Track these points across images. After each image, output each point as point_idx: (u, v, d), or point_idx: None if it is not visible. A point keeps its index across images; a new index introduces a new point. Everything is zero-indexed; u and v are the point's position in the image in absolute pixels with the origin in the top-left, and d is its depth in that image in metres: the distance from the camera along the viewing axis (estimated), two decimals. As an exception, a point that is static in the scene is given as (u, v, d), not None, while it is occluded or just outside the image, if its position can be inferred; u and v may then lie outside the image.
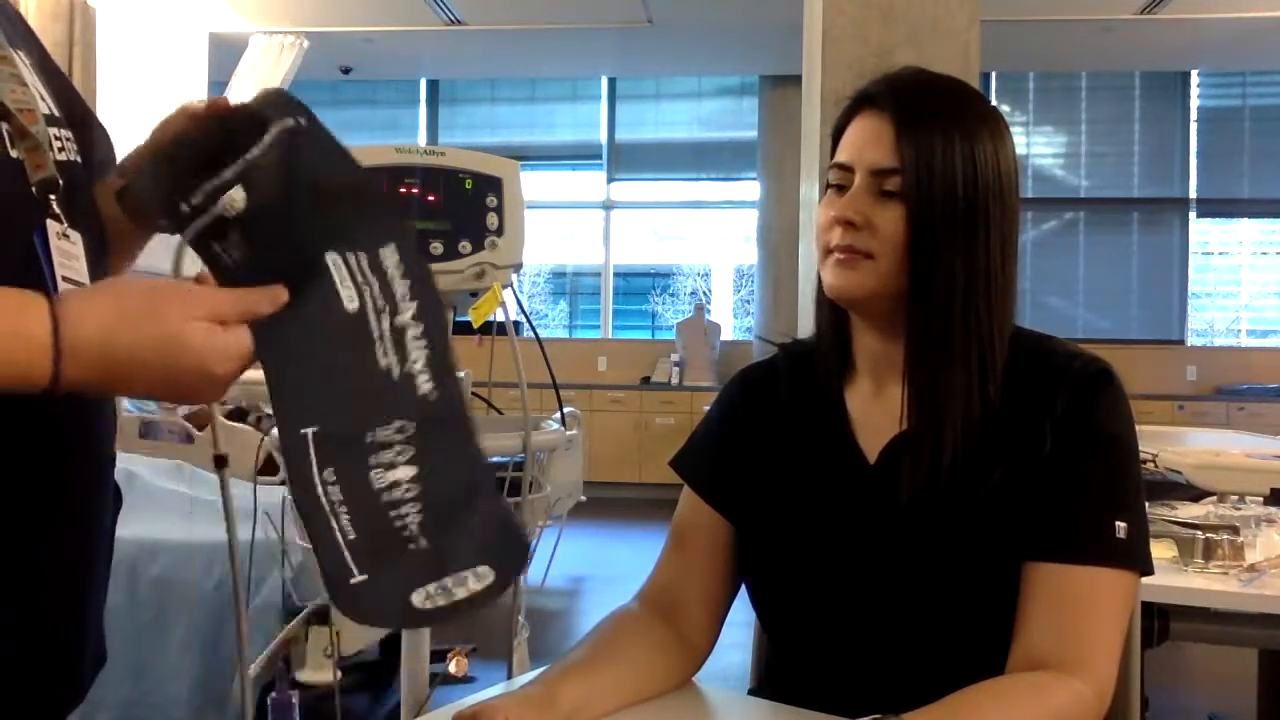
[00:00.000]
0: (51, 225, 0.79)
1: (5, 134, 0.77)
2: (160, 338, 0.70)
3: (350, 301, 0.76)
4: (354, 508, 0.73)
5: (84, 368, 0.68)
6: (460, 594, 0.74)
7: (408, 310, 0.78)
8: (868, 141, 1.01)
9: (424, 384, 0.77)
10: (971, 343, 1.00)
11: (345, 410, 0.75)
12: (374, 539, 0.73)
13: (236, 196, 0.76)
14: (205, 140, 0.81)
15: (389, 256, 0.78)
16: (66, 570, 0.86)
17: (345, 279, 0.76)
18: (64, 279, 0.79)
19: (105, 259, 0.88)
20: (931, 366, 1.00)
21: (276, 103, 0.81)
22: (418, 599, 0.73)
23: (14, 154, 0.78)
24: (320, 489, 0.72)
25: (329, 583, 0.72)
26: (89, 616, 0.91)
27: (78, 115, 0.92)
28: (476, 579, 0.75)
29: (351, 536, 0.72)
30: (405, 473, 0.75)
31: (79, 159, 0.87)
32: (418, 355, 0.77)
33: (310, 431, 0.73)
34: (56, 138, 0.83)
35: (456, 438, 0.79)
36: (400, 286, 0.78)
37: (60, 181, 0.80)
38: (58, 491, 0.83)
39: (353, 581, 0.72)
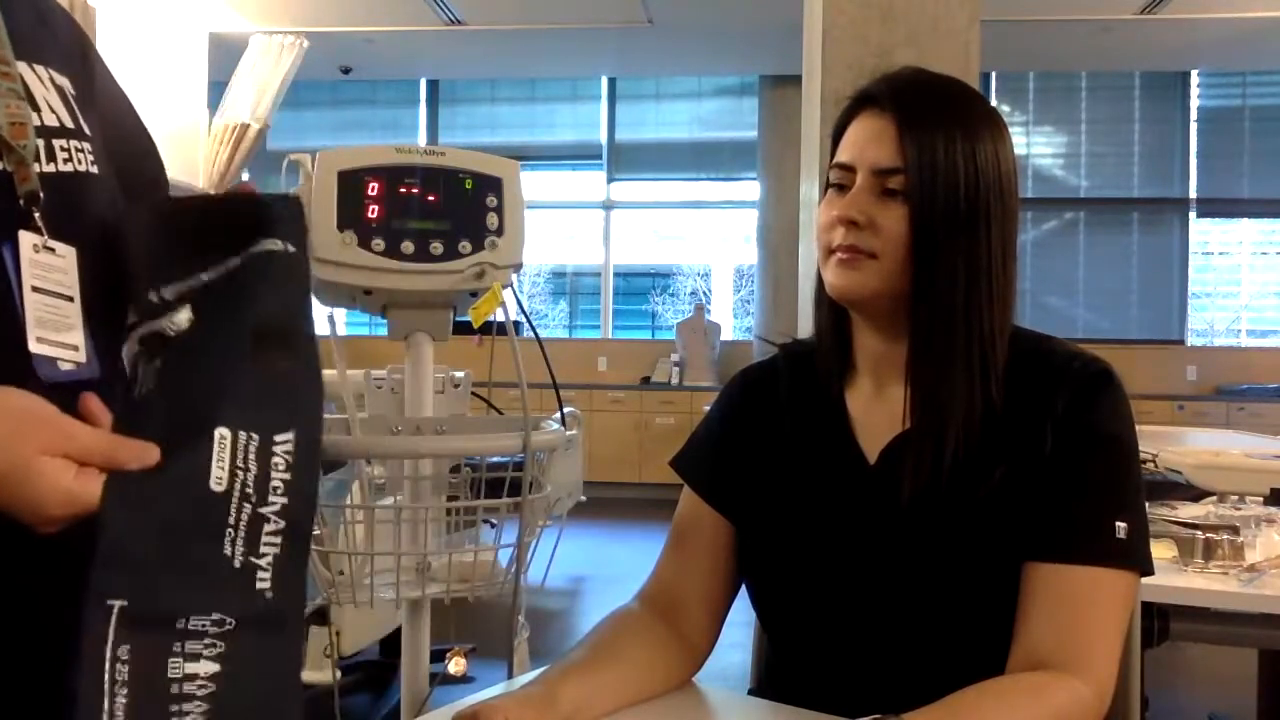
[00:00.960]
0: (27, 237, 0.79)
1: None
2: (8, 463, 0.68)
3: (218, 484, 0.71)
4: (135, 693, 0.67)
5: None
6: None
7: (275, 504, 0.73)
8: (870, 141, 1.01)
9: (262, 581, 0.72)
10: (973, 342, 1.00)
11: (168, 590, 0.69)
12: None
13: (181, 318, 0.76)
14: (206, 216, 0.81)
15: (282, 444, 0.74)
16: (57, 570, 0.85)
17: (224, 459, 0.72)
18: (34, 289, 0.79)
19: (114, 270, 0.88)
20: (933, 366, 1.00)
21: (282, 215, 0.80)
22: None
23: (1, 167, 0.79)
24: (107, 665, 0.66)
25: None
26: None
27: (110, 120, 0.93)
28: None
29: None
30: (205, 668, 0.69)
31: (94, 169, 0.88)
32: (267, 551, 0.73)
33: (118, 605, 0.67)
34: (63, 148, 0.84)
35: (276, 646, 0.73)
36: (278, 479, 0.74)
37: (41, 195, 0.80)
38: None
39: None
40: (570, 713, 0.94)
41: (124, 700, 0.66)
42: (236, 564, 0.71)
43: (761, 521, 1.09)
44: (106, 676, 0.66)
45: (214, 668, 0.69)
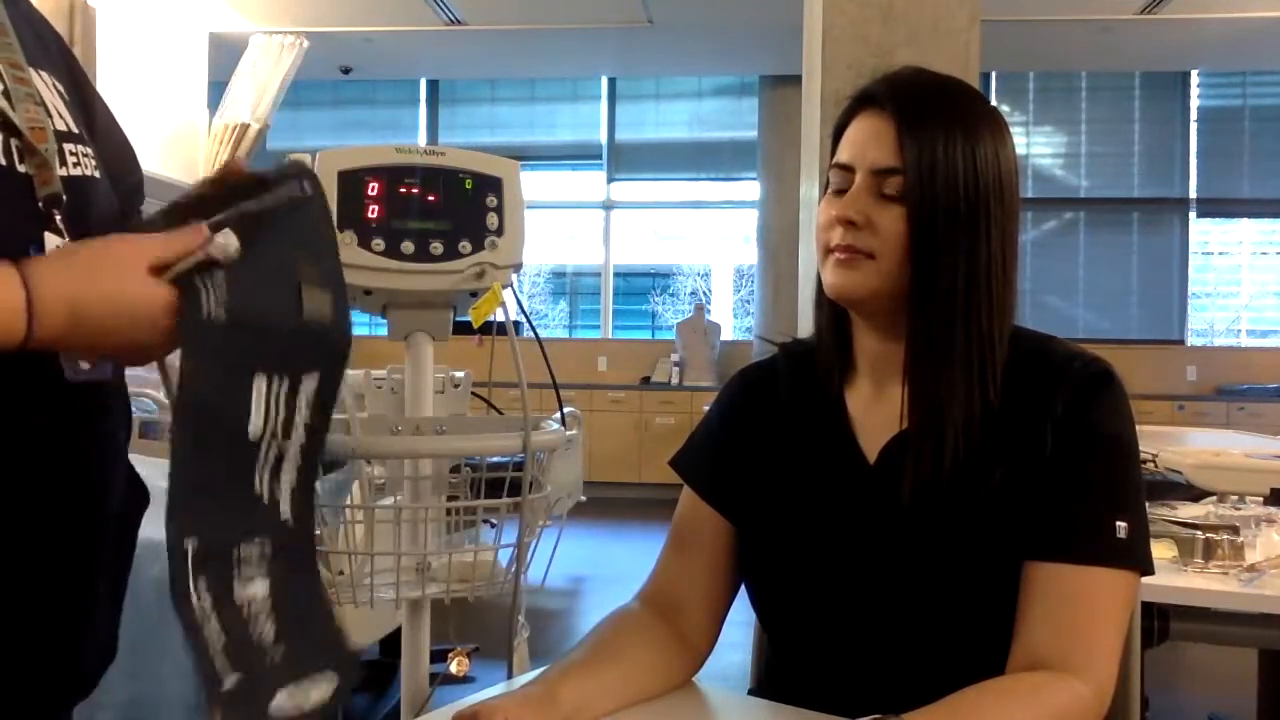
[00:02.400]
0: (51, 239, 0.81)
1: (15, 149, 0.80)
2: (116, 291, 0.74)
3: (255, 430, 0.78)
4: (221, 617, 0.77)
5: (52, 325, 0.72)
6: (315, 697, 0.79)
7: (295, 442, 0.81)
8: (869, 141, 1.01)
9: (285, 511, 0.82)
10: (972, 343, 1.00)
11: (222, 526, 0.78)
12: (238, 648, 0.77)
13: (230, 242, 0.78)
14: (212, 196, 0.83)
15: (307, 387, 0.81)
16: (65, 553, 0.86)
17: (260, 405, 0.79)
18: None
19: None
20: (932, 366, 1.00)
21: (286, 170, 0.84)
22: (280, 699, 0.77)
23: (22, 169, 0.81)
24: (195, 599, 0.76)
25: (203, 686, 0.76)
26: (94, 604, 0.92)
27: (100, 130, 0.95)
28: (325, 683, 0.81)
29: (220, 644, 0.76)
30: (260, 588, 0.79)
31: (97, 174, 0.90)
32: (286, 484, 0.82)
33: (191, 544, 0.76)
34: (72, 153, 0.86)
35: (303, 562, 0.84)
36: (300, 417, 0.81)
37: (64, 197, 0.82)
38: (57, 471, 0.84)
39: (224, 688, 0.75)
40: (570, 713, 0.94)
41: (215, 626, 0.76)
42: (265, 500, 0.80)
43: (761, 521, 1.09)
44: (197, 609, 0.75)
45: (265, 585, 0.79)
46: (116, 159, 0.97)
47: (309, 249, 0.84)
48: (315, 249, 0.85)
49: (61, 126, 0.86)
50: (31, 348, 0.72)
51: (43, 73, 0.87)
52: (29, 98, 0.83)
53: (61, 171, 0.84)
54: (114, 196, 0.93)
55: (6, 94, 0.81)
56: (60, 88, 0.90)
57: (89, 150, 0.89)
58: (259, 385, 0.78)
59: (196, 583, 0.76)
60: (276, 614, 0.79)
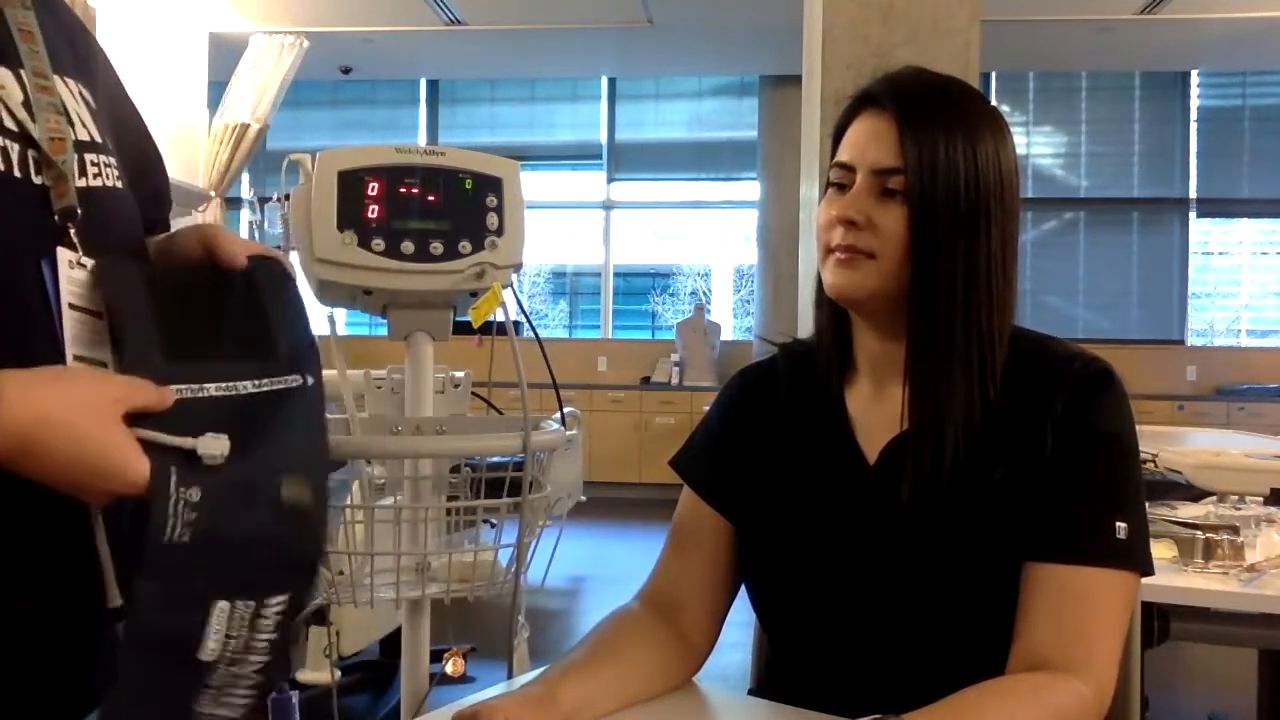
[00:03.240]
0: (63, 253, 0.80)
1: (32, 161, 0.80)
2: (95, 447, 0.70)
3: (210, 654, 0.73)
4: None
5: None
6: None
7: (254, 663, 0.76)
8: (870, 141, 1.01)
9: None
10: (972, 343, 1.00)
11: None
12: None
13: (218, 446, 0.74)
14: (197, 287, 0.82)
15: (274, 609, 0.77)
16: (70, 565, 0.86)
17: (218, 631, 0.74)
18: (70, 305, 0.80)
19: None
20: (932, 367, 1.00)
21: (301, 343, 0.83)
22: None
23: (38, 181, 0.80)
24: None
25: None
26: (102, 622, 0.91)
27: (126, 138, 0.94)
28: None
29: None
30: None
31: (119, 184, 0.89)
32: (236, 700, 0.77)
33: None
34: (94, 163, 0.85)
35: None
36: (263, 639, 0.76)
37: (79, 210, 0.81)
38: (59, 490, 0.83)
39: None
40: (570, 713, 0.94)
41: None
42: (205, 715, 0.75)
43: (761, 522, 1.09)
44: None
45: None
46: (135, 166, 0.96)
47: (296, 456, 0.79)
48: (302, 453, 0.80)
49: (84, 136, 0.85)
50: None
51: (69, 80, 0.86)
52: (50, 107, 0.82)
53: (81, 182, 0.83)
54: (137, 207, 0.93)
55: (27, 103, 0.80)
56: (87, 95, 0.89)
57: (111, 160, 0.88)
58: (219, 611, 0.73)
59: None
60: None
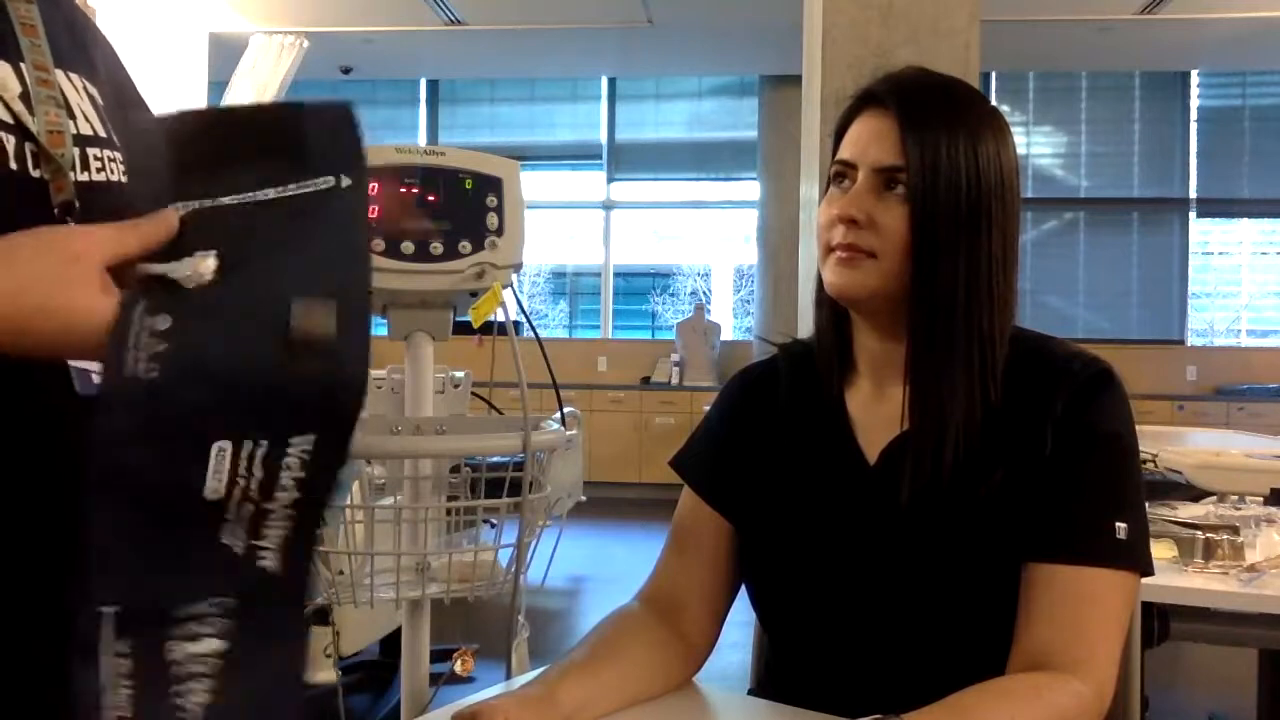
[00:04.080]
0: None
1: (30, 154, 0.79)
2: (58, 302, 0.63)
3: (213, 493, 0.63)
4: (138, 678, 0.63)
5: None
6: None
7: (283, 500, 0.65)
8: (872, 139, 1.01)
9: (263, 560, 0.65)
10: (973, 343, 1.00)
11: (162, 587, 0.64)
12: (146, 713, 0.63)
13: (202, 267, 0.63)
14: (221, 141, 0.70)
15: (299, 448, 0.64)
16: (70, 570, 0.85)
17: (222, 470, 0.63)
18: None
19: None
20: (933, 367, 1.00)
21: (326, 141, 0.68)
22: None
23: (36, 174, 0.79)
24: (108, 661, 0.62)
25: None
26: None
27: (139, 130, 0.94)
28: None
29: (121, 709, 0.62)
30: (207, 646, 0.64)
31: (124, 179, 0.88)
32: (271, 533, 0.66)
33: (112, 610, 0.62)
34: (96, 157, 0.85)
35: (283, 627, 0.67)
36: (289, 478, 0.64)
37: (77, 204, 0.81)
38: (63, 492, 0.83)
39: None
40: (570, 713, 0.94)
41: (127, 693, 0.62)
42: (238, 550, 0.65)
43: (761, 522, 1.09)
44: (105, 673, 0.62)
45: (217, 644, 0.64)
46: (148, 164, 0.96)
47: (324, 270, 0.66)
48: (332, 269, 0.66)
49: (86, 130, 0.85)
50: None
51: (73, 74, 0.86)
52: (50, 100, 0.81)
53: (83, 176, 0.83)
54: (146, 200, 0.93)
55: (26, 96, 0.80)
56: (92, 90, 0.89)
57: (116, 155, 0.88)
58: (220, 452, 0.62)
59: (116, 642, 0.62)
60: (220, 679, 0.64)
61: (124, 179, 0.88)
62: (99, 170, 0.85)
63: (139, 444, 0.61)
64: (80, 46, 0.90)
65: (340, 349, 0.64)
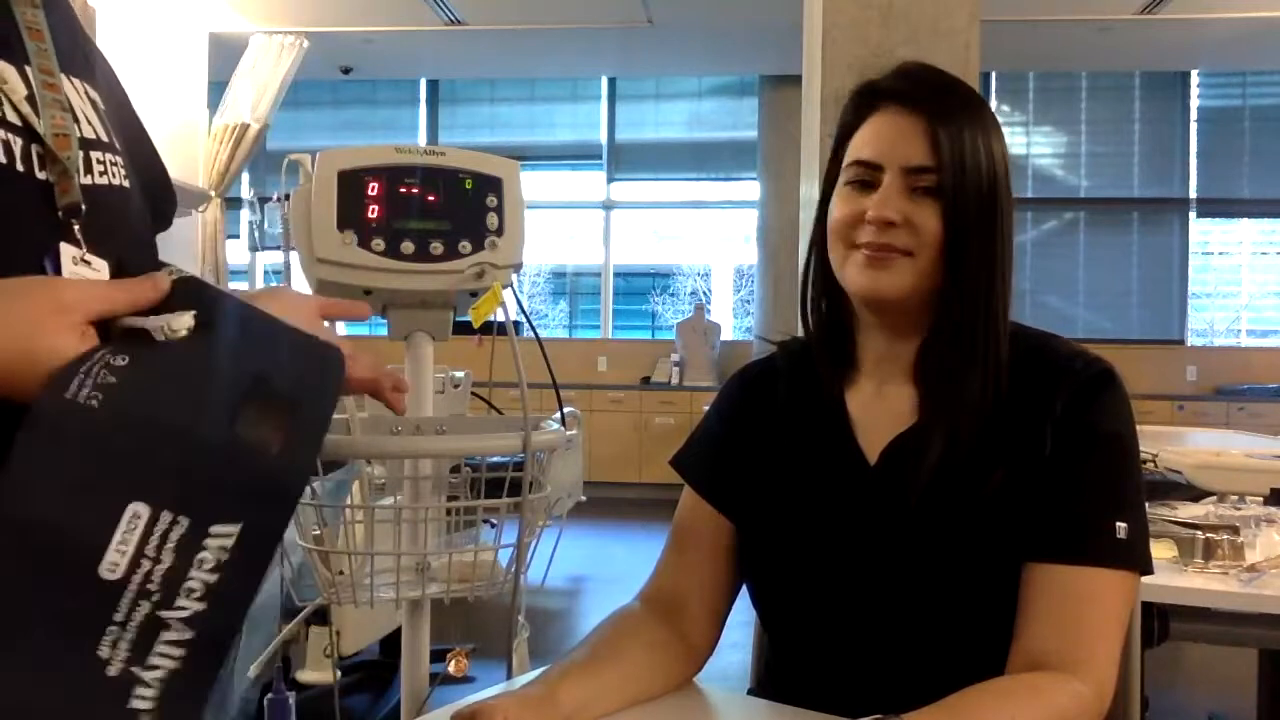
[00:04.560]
0: (67, 249, 0.80)
1: (36, 156, 0.79)
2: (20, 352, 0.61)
3: (110, 569, 0.56)
4: None
5: None
6: None
7: (187, 609, 0.57)
8: (897, 138, 1.00)
9: (140, 701, 0.57)
10: (990, 338, 1.00)
11: (18, 690, 0.55)
12: None
13: (179, 321, 0.61)
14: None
15: (219, 540, 0.58)
16: None
17: (129, 543, 0.56)
18: None
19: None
20: (954, 363, 1.01)
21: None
22: None
23: (41, 176, 0.80)
24: None
25: None
26: None
27: (133, 139, 0.95)
28: None
29: None
30: None
31: (127, 183, 0.89)
32: (159, 664, 0.57)
33: None
34: (99, 161, 0.85)
35: None
36: (199, 578, 0.58)
37: (83, 206, 0.81)
38: None
39: None
40: (570, 713, 0.94)
41: None
42: (114, 669, 0.56)
43: (761, 521, 1.09)
44: None
45: None
46: (139, 166, 0.96)
47: (292, 362, 0.64)
48: (299, 365, 0.65)
49: (90, 134, 0.86)
50: None
51: (75, 79, 0.87)
52: (56, 104, 0.82)
53: (86, 179, 0.83)
54: (146, 205, 0.93)
55: (32, 99, 0.81)
56: (94, 95, 0.90)
57: (119, 159, 0.89)
58: (133, 515, 0.56)
59: None
60: None
61: (126, 183, 0.89)
62: (102, 174, 0.85)
63: (53, 477, 0.56)
64: (79, 51, 0.91)
65: (291, 439, 0.61)
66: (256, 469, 0.60)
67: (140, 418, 0.58)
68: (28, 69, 0.81)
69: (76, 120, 0.84)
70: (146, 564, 0.56)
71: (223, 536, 0.58)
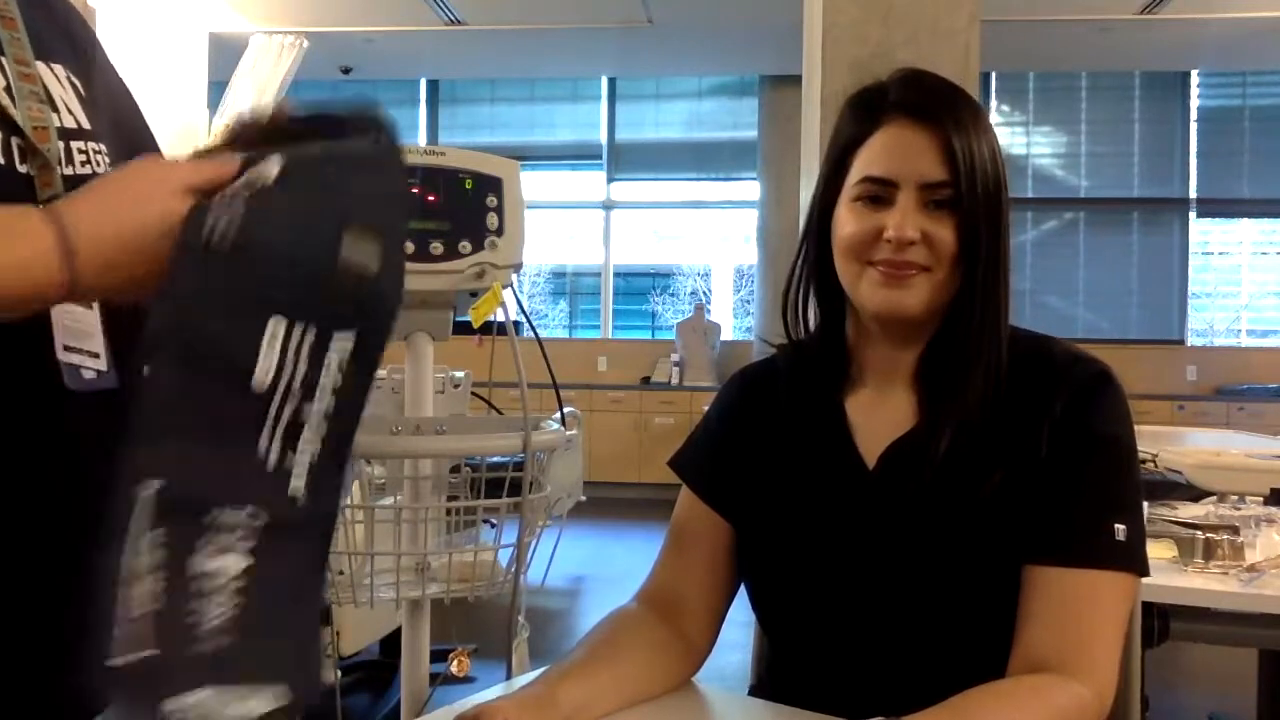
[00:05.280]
0: None
1: (16, 149, 0.78)
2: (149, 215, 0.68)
3: (262, 378, 0.66)
4: (161, 581, 0.63)
5: (92, 266, 0.67)
6: (241, 709, 0.63)
7: (320, 409, 0.68)
8: (911, 153, 0.99)
9: (297, 487, 0.68)
10: (994, 344, 1.00)
11: (206, 475, 0.65)
12: (164, 622, 0.62)
13: (268, 167, 0.69)
14: (262, 133, 0.75)
15: (340, 346, 0.69)
16: (66, 571, 0.85)
17: (273, 352, 0.66)
18: None
19: None
20: (955, 368, 1.01)
21: (357, 118, 0.75)
22: (188, 698, 0.62)
23: (22, 169, 0.79)
24: (138, 549, 0.63)
25: (89, 654, 0.63)
26: (97, 625, 0.90)
27: (123, 127, 0.93)
28: (265, 697, 0.64)
29: (143, 610, 0.62)
30: (233, 563, 0.65)
31: (110, 172, 0.87)
32: (304, 456, 0.68)
33: (154, 486, 0.63)
34: (81, 150, 0.84)
35: (307, 556, 0.70)
36: (329, 378, 0.68)
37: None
38: (57, 489, 0.82)
39: (118, 661, 0.62)
40: (570, 713, 0.94)
41: (147, 587, 0.62)
42: (271, 462, 0.67)
43: (760, 523, 1.09)
44: (138, 559, 0.62)
45: (243, 562, 0.65)
46: (130, 151, 0.95)
47: (369, 198, 0.72)
48: (376, 200, 0.73)
49: (70, 123, 0.84)
50: (77, 299, 0.68)
51: (55, 66, 0.85)
52: (33, 95, 0.80)
53: (68, 170, 0.82)
54: None
55: (9, 90, 0.79)
56: (76, 82, 0.88)
57: (101, 147, 0.87)
58: (274, 329, 0.66)
59: (150, 532, 0.63)
60: (240, 600, 0.64)
61: (110, 171, 0.87)
62: (84, 164, 0.84)
63: (203, 302, 0.66)
64: (58, 33, 0.88)
65: (384, 260, 0.70)
66: (363, 284, 0.70)
67: (268, 245, 0.67)
68: (2, 59, 0.79)
69: (56, 110, 0.83)
70: (287, 372, 0.67)
71: (343, 341, 0.69)
